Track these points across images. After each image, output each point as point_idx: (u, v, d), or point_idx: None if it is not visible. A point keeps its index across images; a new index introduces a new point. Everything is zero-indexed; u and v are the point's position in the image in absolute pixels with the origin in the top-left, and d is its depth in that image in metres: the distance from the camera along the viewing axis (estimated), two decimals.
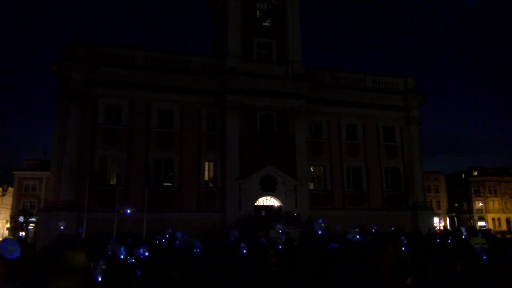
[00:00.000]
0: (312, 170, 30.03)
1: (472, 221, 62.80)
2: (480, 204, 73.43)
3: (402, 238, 10.92)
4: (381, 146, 31.36)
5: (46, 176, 47.75)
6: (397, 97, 32.10)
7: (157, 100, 26.91)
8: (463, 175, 76.59)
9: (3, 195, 65.70)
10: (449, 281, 5.41)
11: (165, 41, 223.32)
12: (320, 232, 11.19)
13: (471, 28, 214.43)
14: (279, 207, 27.33)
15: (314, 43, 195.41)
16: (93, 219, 21.61)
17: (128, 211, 17.90)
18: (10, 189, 54.92)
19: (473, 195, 70.41)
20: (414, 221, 29.63)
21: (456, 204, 73.38)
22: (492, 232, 13.61)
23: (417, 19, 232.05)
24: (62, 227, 18.44)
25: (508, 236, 29.55)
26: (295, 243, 11.50)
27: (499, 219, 72.26)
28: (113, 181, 25.78)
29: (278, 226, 15.22)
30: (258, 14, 30.24)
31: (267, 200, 27.52)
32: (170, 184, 26.72)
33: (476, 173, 75.13)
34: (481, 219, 70.91)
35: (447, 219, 74.60)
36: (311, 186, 29.56)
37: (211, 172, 27.71)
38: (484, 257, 7.27)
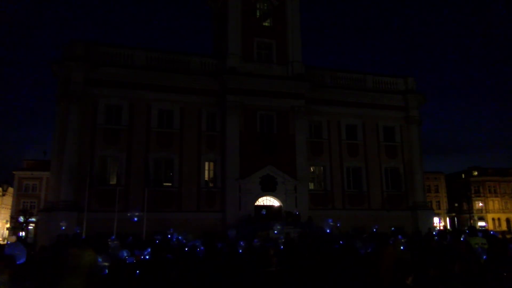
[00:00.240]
0: (312, 170, 30.03)
1: (472, 221, 62.80)
2: (480, 204, 73.44)
3: (399, 237, 10.94)
4: (381, 146, 31.37)
5: (46, 176, 47.74)
6: (397, 97, 32.10)
7: (157, 100, 26.91)
8: (463, 175, 76.60)
9: (3, 195, 65.54)
10: (449, 281, 5.41)
11: (165, 41, 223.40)
12: (328, 231, 11.19)
13: (471, 28, 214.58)
14: (279, 207, 27.33)
15: (314, 43, 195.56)
16: (93, 219, 21.62)
17: (136, 219, 17.93)
18: (10, 189, 54.82)
19: (473, 195, 70.42)
20: (414, 221, 29.63)
21: (456, 204, 73.37)
22: (492, 232, 13.62)
23: (417, 19, 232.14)
24: (64, 227, 18.46)
25: (509, 236, 29.55)
26: (295, 243, 11.51)
27: (499, 219, 72.27)
28: (113, 181, 25.79)
29: (278, 225, 15.25)
30: (258, 14, 30.25)
31: (267, 200, 27.52)
32: (170, 184, 26.72)
33: (476, 173, 75.13)
34: (481, 219, 70.91)
35: (447, 219, 74.63)
36: (311, 186, 29.57)
37: (211, 172, 27.71)
38: (484, 257, 7.27)
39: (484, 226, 60.89)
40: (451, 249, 7.90)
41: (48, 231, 22.06)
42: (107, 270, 6.22)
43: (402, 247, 8.75)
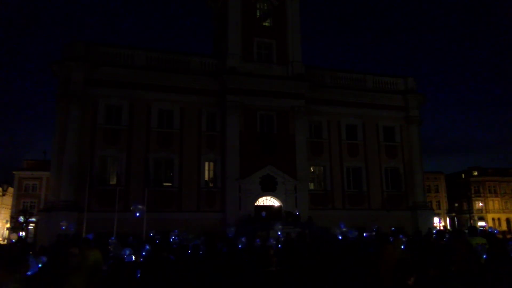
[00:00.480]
0: (312, 170, 30.03)
1: (472, 221, 62.79)
2: (480, 204, 73.42)
3: (400, 236, 10.93)
4: (381, 146, 31.37)
5: (46, 176, 47.72)
6: (397, 97, 32.10)
7: (157, 100, 26.92)
8: (463, 175, 76.58)
9: (3, 195, 65.46)
10: (449, 281, 5.41)
11: (165, 41, 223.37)
12: (340, 237, 11.14)
13: (472, 28, 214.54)
14: (279, 207, 27.33)
15: (314, 43, 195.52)
16: (93, 219, 21.62)
17: (138, 214, 17.81)
18: (10, 189, 54.77)
19: (473, 195, 70.40)
20: (414, 221, 29.64)
21: (456, 204, 73.37)
22: (491, 229, 13.61)
23: (417, 19, 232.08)
24: (64, 227, 18.43)
25: (509, 236, 29.56)
26: (295, 243, 11.51)
27: (499, 219, 72.24)
28: (113, 181, 25.79)
29: (279, 225, 15.25)
30: (258, 14, 30.24)
31: (267, 200, 27.52)
32: (170, 184, 26.72)
33: (476, 173, 75.11)
34: (481, 219, 70.87)
35: (447, 219, 74.60)
36: (311, 186, 29.56)
37: (211, 172, 27.71)
38: (484, 256, 7.27)
39: (484, 226, 60.87)
40: (449, 249, 7.90)
41: (48, 231, 22.05)
42: (109, 269, 6.25)
43: (402, 247, 8.75)
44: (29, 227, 46.79)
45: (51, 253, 9.28)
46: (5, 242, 46.55)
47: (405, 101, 32.15)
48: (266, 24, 30.24)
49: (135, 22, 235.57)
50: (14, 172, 56.62)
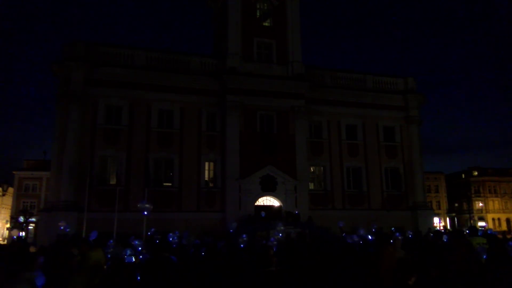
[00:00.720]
0: (312, 170, 30.01)
1: (472, 221, 62.77)
2: (480, 204, 73.41)
3: (397, 234, 10.90)
4: (381, 146, 31.36)
5: (46, 176, 47.71)
6: (397, 97, 32.09)
7: (157, 100, 26.91)
8: (463, 175, 76.58)
9: (3, 195, 65.44)
10: (449, 281, 5.41)
11: (165, 41, 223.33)
12: (349, 241, 11.14)
13: (472, 27, 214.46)
14: (279, 207, 27.32)
15: (314, 43, 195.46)
16: (93, 219, 21.59)
17: (145, 212, 17.80)
18: (10, 189, 54.75)
19: (473, 195, 70.38)
20: (414, 221, 29.63)
21: (456, 204, 73.35)
22: (490, 231, 13.61)
23: (417, 19, 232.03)
24: (62, 227, 18.41)
25: (509, 236, 29.54)
26: (295, 243, 11.50)
27: (499, 219, 72.25)
28: (113, 181, 25.78)
29: (280, 225, 15.25)
30: (258, 14, 30.23)
31: (267, 200, 27.51)
32: (170, 184, 26.72)
33: (476, 173, 75.11)
34: (481, 219, 70.88)
35: (447, 219, 74.59)
36: (311, 186, 29.55)
37: (211, 172, 27.70)
38: (484, 256, 7.26)
39: (484, 226, 60.85)
40: (449, 249, 7.88)
41: (48, 231, 22.04)
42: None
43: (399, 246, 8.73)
44: (29, 227, 46.82)
45: (51, 253, 9.27)
46: (5, 242, 46.57)
47: (405, 101, 32.14)
48: (266, 24, 30.23)
49: (135, 22, 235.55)
50: (14, 172, 56.59)
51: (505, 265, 6.07)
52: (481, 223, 67.12)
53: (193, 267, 7.91)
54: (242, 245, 9.86)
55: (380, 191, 30.63)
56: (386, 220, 27.24)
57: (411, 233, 16.67)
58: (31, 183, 55.77)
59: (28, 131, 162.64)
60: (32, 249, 9.53)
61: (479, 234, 9.65)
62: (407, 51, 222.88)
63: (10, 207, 58.66)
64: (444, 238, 12.36)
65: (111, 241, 12.97)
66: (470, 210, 63.64)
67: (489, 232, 12.51)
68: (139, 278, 7.33)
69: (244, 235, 9.61)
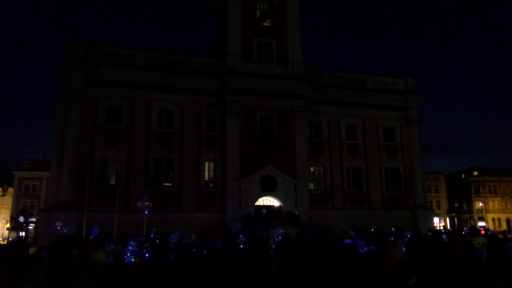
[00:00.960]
0: (312, 170, 30.02)
1: (472, 221, 62.76)
2: (480, 204, 73.40)
3: (391, 239, 10.84)
4: (381, 146, 31.36)
5: (46, 176, 47.70)
6: (397, 97, 32.09)
7: (157, 100, 26.91)
8: (463, 175, 76.57)
9: (3, 195, 65.46)
10: (449, 281, 5.40)
11: (165, 41, 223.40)
12: (366, 249, 11.04)
13: (472, 27, 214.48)
14: (279, 207, 27.33)
15: (314, 43, 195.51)
16: (93, 219, 21.57)
17: (145, 211, 17.77)
18: (10, 189, 54.78)
19: (473, 195, 70.37)
20: (414, 221, 29.63)
21: (456, 204, 73.34)
22: (491, 232, 13.62)
23: (417, 19, 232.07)
24: (59, 227, 18.35)
25: (510, 236, 29.55)
26: (295, 243, 11.49)
27: (499, 219, 72.24)
28: (113, 181, 25.79)
29: (279, 228, 15.24)
30: (258, 14, 30.24)
31: (267, 200, 27.52)
32: (170, 184, 26.72)
33: (476, 173, 75.10)
34: (481, 219, 70.86)
35: (447, 219, 74.59)
36: (311, 186, 29.55)
37: (211, 172, 27.71)
38: (484, 256, 7.26)
39: (484, 226, 60.86)
40: (448, 249, 7.87)
41: (48, 231, 22.03)
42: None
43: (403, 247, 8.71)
44: (29, 227, 46.81)
45: (50, 253, 9.26)
46: (5, 242, 46.56)
47: (405, 101, 32.14)
48: (266, 24, 30.23)
49: (135, 22, 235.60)
50: (14, 172, 56.61)
51: (505, 265, 6.07)
52: (481, 223, 67.09)
53: (193, 267, 7.90)
54: (242, 246, 9.85)
55: (380, 191, 30.64)
56: (386, 220, 27.24)
57: (408, 233, 16.60)
58: (31, 183, 55.77)
59: (28, 131, 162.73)
60: (32, 250, 9.53)
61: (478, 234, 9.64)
62: (407, 51, 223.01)
63: (10, 207, 58.68)
64: (444, 238, 12.35)
65: (107, 243, 12.94)
66: (470, 210, 63.64)
67: (489, 233, 12.51)
68: (139, 278, 7.33)
69: (242, 236, 9.61)
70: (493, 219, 71.66)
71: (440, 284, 5.28)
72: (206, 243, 11.43)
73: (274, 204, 27.47)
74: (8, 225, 57.16)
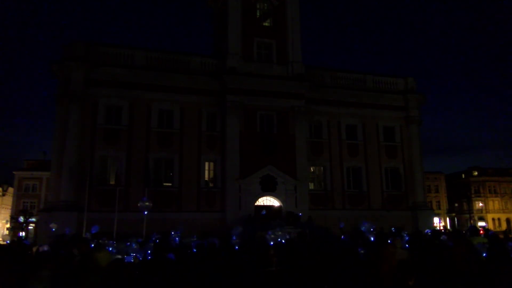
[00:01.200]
0: (312, 170, 30.01)
1: (472, 221, 62.76)
2: (480, 204, 73.39)
3: (389, 241, 10.80)
4: (381, 146, 31.36)
5: (46, 176, 47.74)
6: (397, 97, 32.09)
7: (157, 100, 26.90)
8: (463, 175, 76.55)
9: (3, 195, 65.46)
10: (449, 281, 5.40)
11: (165, 41, 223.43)
12: (372, 239, 10.96)
13: (472, 27, 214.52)
14: (279, 207, 27.32)
15: (314, 43, 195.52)
16: (93, 219, 21.55)
17: (145, 212, 17.77)
18: (10, 189, 54.79)
19: (473, 195, 70.36)
20: (414, 221, 29.63)
21: (456, 204, 73.33)
22: (491, 232, 13.61)
23: (417, 19, 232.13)
24: (54, 229, 18.33)
25: (510, 235, 29.55)
26: (295, 243, 11.47)
27: (499, 219, 72.22)
28: (113, 181, 25.78)
29: (278, 230, 15.23)
30: (258, 14, 30.23)
31: (267, 200, 27.51)
32: (170, 184, 26.71)
33: (476, 173, 75.09)
34: (481, 219, 70.85)
35: (447, 219, 74.59)
36: (311, 186, 29.55)
37: (211, 172, 27.70)
38: (484, 254, 7.26)
39: (484, 226, 60.84)
40: (448, 249, 7.87)
41: (48, 231, 22.03)
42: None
43: (401, 246, 8.73)
44: (29, 227, 46.84)
45: (50, 254, 9.26)
46: (5, 242, 46.56)
47: (405, 101, 32.14)
48: (266, 24, 30.23)
49: (135, 22, 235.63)
50: (14, 172, 56.65)
51: (505, 265, 6.07)
52: (481, 223, 67.11)
53: (193, 267, 7.89)
54: (242, 245, 9.85)
55: (380, 191, 30.63)
56: (386, 220, 27.20)
57: (406, 234, 16.55)
58: (31, 183, 55.82)
59: (28, 131, 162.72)
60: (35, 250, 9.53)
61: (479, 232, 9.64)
62: (407, 51, 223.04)
63: (10, 207, 58.67)
64: (443, 237, 12.33)
65: (103, 238, 12.95)
66: (470, 210, 63.63)
67: (490, 233, 12.50)
68: (138, 278, 7.32)
69: (233, 237, 9.61)
70: (493, 219, 71.66)
71: (440, 284, 5.28)
72: (206, 243, 11.42)
73: (274, 204, 27.47)
74: (8, 225, 57.18)
